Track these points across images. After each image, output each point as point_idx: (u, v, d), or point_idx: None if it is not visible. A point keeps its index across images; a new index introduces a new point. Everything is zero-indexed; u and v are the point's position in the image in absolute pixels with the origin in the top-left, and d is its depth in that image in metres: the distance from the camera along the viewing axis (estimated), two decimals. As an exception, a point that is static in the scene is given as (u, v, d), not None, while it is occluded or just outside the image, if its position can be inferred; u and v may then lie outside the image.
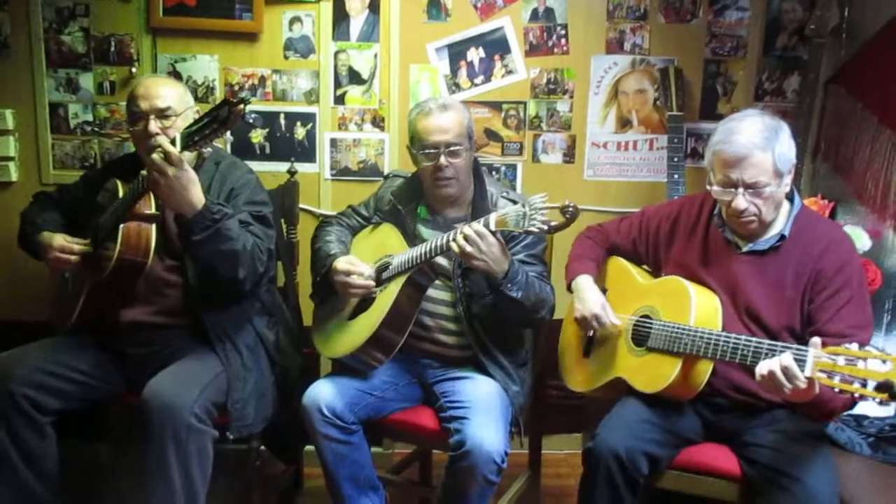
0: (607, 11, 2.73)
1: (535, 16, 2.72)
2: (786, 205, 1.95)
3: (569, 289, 2.19)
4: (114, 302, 2.19)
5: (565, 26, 2.73)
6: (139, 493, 2.03)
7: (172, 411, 1.95)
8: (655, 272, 2.14)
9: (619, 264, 2.22)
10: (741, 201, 1.85)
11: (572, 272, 2.18)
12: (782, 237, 1.92)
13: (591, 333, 2.14)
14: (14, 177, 2.72)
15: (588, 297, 2.08)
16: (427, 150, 2.12)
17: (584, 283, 2.13)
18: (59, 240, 2.17)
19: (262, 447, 2.33)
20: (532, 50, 2.75)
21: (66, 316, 2.25)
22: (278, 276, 2.51)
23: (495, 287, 2.00)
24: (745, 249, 1.96)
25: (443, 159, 2.10)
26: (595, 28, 2.74)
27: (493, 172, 2.77)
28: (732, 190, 1.86)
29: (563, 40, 2.74)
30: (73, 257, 2.16)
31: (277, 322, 2.38)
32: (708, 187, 1.93)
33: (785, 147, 1.86)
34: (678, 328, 1.89)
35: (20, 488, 2.10)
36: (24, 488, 2.10)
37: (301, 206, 2.61)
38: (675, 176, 2.61)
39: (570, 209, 1.91)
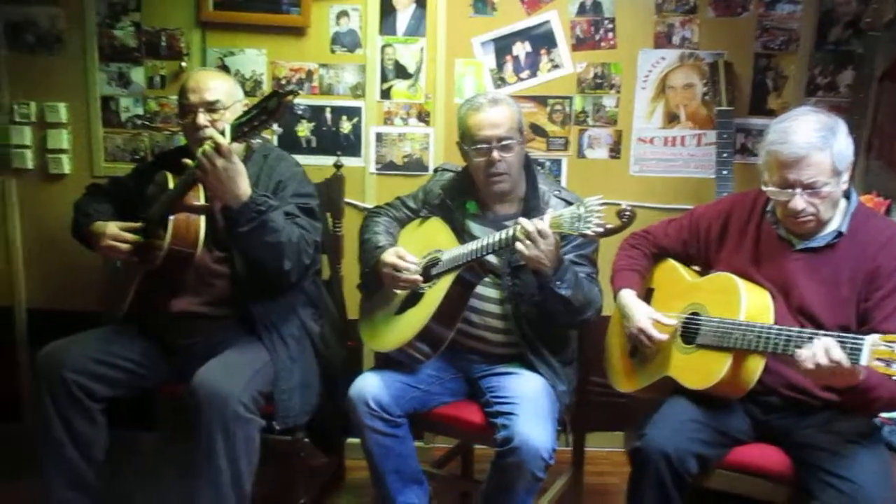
0: (656, 5, 2.69)
1: (582, 9, 2.70)
2: (842, 202, 1.91)
3: (615, 301, 2.16)
4: (164, 292, 2.23)
5: (613, 20, 2.70)
6: (187, 481, 2.06)
7: (221, 400, 1.98)
8: (706, 273, 2.10)
9: (666, 263, 2.19)
10: (799, 202, 1.81)
11: (616, 285, 2.15)
12: (839, 234, 1.88)
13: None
14: (67, 169, 2.77)
15: (634, 314, 2.04)
16: (479, 146, 2.10)
17: (628, 298, 2.09)
18: (113, 228, 2.20)
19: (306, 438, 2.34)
20: (579, 44, 2.72)
21: (118, 305, 2.30)
22: (323, 268, 2.52)
23: (544, 284, 1.99)
24: (799, 247, 1.92)
25: (495, 154, 2.09)
26: (643, 22, 2.71)
27: (539, 167, 2.74)
28: (790, 191, 1.82)
29: (610, 34, 2.71)
30: (125, 246, 2.19)
31: (322, 314, 2.39)
32: (763, 188, 1.89)
33: (843, 145, 1.82)
34: (728, 323, 1.85)
35: (71, 472, 2.15)
36: (75, 472, 2.15)
37: (346, 199, 2.62)
38: (724, 172, 2.57)
39: (627, 213, 1.88)
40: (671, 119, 2.78)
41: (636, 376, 2.12)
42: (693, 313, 1.99)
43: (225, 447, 1.99)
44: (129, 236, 2.20)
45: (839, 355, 1.62)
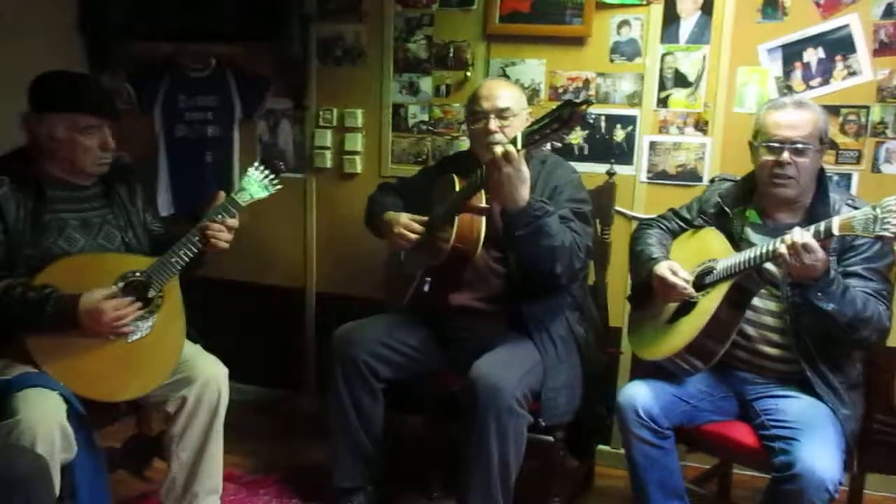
0: (983, 2, 2.40)
1: (888, 11, 2.47)
2: None
3: None
4: (444, 286, 2.38)
5: (926, 22, 2.45)
6: (454, 465, 2.20)
7: (497, 392, 2.08)
8: None
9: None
10: None
11: None
12: None
13: None
14: (359, 169, 3.06)
15: None
16: (771, 144, 2.04)
17: None
18: (404, 218, 2.37)
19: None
20: (882, 49, 2.49)
21: (400, 296, 2.50)
22: (589, 274, 2.55)
23: (804, 295, 1.88)
24: None
25: (786, 155, 2.01)
26: (965, 22, 2.43)
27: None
28: None
29: (921, 38, 2.46)
30: (413, 236, 2.35)
31: (586, 318, 2.43)
32: None
33: None
34: None
35: (354, 441, 2.39)
36: (357, 442, 2.39)
37: (616, 207, 2.63)
38: None
39: None
40: None
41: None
42: None
43: (496, 438, 2.09)
44: (418, 227, 2.36)
45: None
